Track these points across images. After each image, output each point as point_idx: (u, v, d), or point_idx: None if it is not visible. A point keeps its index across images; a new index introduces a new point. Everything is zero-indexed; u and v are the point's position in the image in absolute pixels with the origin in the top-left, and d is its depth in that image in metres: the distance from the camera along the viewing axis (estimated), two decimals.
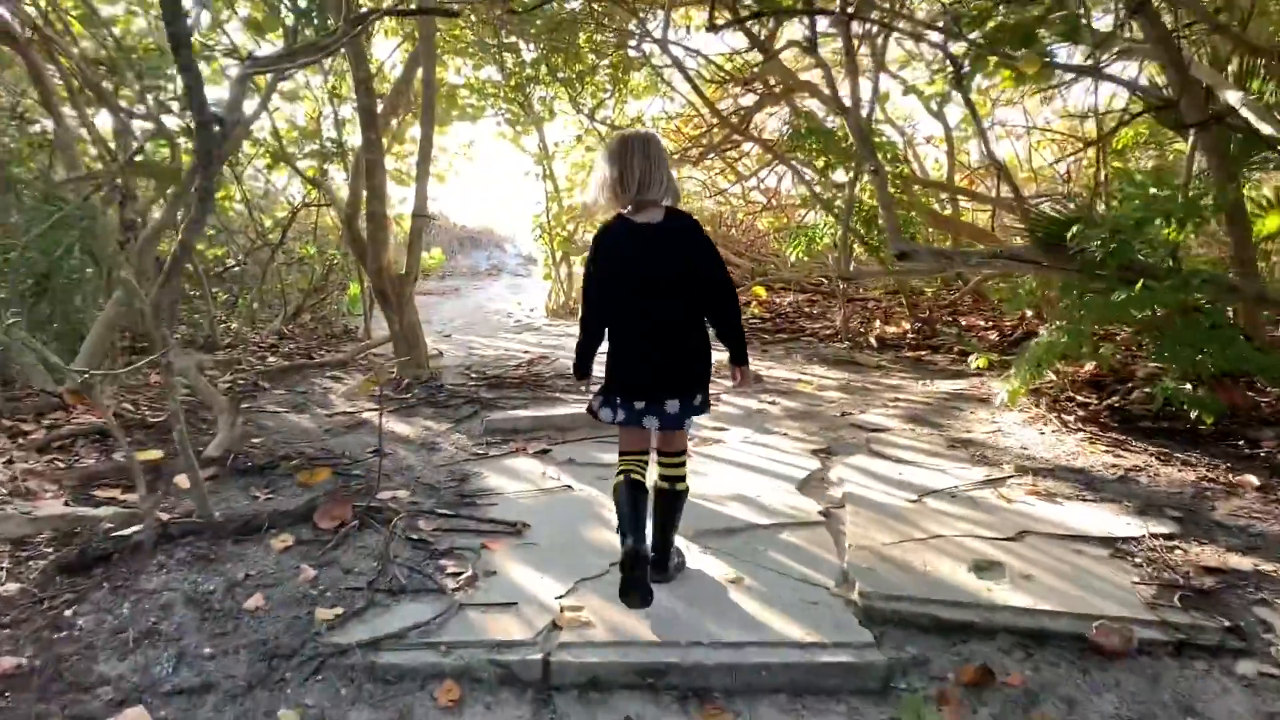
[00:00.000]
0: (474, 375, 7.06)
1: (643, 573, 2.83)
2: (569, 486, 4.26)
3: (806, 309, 10.48)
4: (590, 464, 4.62)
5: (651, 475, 3.14)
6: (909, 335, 8.36)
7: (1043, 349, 4.91)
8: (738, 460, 4.69)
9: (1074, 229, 5.23)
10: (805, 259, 8.37)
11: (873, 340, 8.17)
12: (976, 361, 5.89)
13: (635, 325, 2.97)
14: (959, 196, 10.17)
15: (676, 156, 10.04)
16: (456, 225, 18.11)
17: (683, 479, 3.16)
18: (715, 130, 10.04)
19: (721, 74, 8.59)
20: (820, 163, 7.47)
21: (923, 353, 7.70)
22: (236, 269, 8.84)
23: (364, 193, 6.26)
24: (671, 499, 3.15)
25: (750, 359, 3.24)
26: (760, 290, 11.05)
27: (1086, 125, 11.94)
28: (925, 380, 6.59)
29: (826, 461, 4.65)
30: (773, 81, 8.51)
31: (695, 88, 8.16)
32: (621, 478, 3.06)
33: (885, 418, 5.55)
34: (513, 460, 4.72)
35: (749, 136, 8.42)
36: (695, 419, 3.33)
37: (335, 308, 11.35)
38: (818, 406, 5.93)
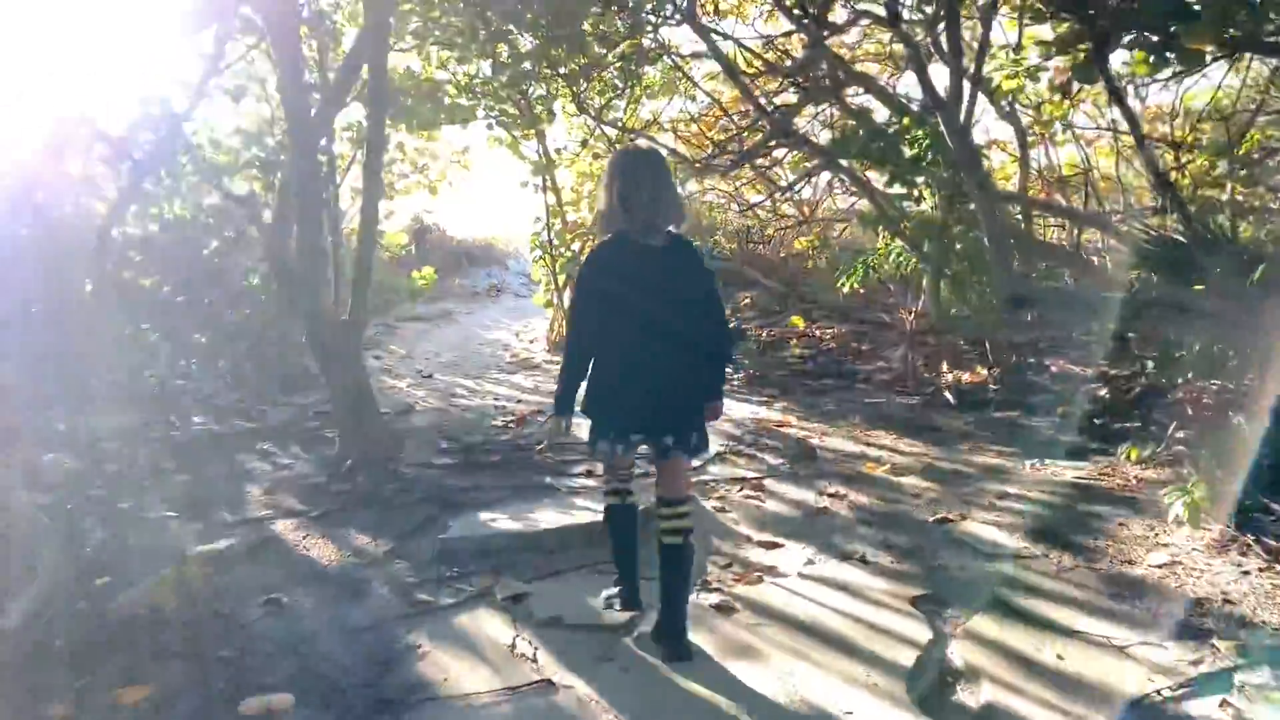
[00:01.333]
0: (444, 443, 5.64)
1: (679, 645, 2.91)
2: (549, 683, 2.80)
3: (854, 344, 9.00)
4: (585, 626, 3.18)
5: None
6: (991, 385, 6.86)
7: (1242, 442, 3.44)
8: (803, 620, 3.22)
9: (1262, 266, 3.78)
10: (859, 289, 6.91)
11: (947, 393, 6.68)
12: (1127, 451, 4.41)
13: (632, 352, 2.90)
14: (1034, 212, 8.68)
15: (699, 165, 8.60)
16: (454, 239, 16.67)
17: (689, 530, 2.98)
18: (747, 133, 8.59)
19: (757, 64, 7.15)
20: (884, 175, 6.01)
21: (1015, 413, 6.20)
22: (179, 301, 7.44)
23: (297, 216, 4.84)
24: (677, 558, 2.94)
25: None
26: (798, 320, 9.60)
27: (1157, 126, 10.45)
28: (1035, 461, 5.10)
29: (937, 623, 3.18)
30: (820, 74, 7.06)
31: (736, 78, 6.69)
32: (616, 499, 3.12)
33: (999, 529, 4.07)
34: (471, 616, 3.27)
35: (799, 141, 6.92)
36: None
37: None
38: (898, 504, 4.47)
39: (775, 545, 3.97)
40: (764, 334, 9.45)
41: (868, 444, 5.62)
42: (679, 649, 2.89)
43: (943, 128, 4.58)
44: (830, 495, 4.62)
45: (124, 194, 6.57)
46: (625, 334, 2.89)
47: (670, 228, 2.95)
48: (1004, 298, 4.12)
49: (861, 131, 5.91)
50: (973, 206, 4.97)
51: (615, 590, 3.23)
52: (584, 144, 9.57)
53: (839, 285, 6.86)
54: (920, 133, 5.70)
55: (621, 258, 2.89)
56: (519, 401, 7.34)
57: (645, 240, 2.87)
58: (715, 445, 5.63)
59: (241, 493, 4.66)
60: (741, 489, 4.73)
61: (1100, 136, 10.01)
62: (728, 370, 2.98)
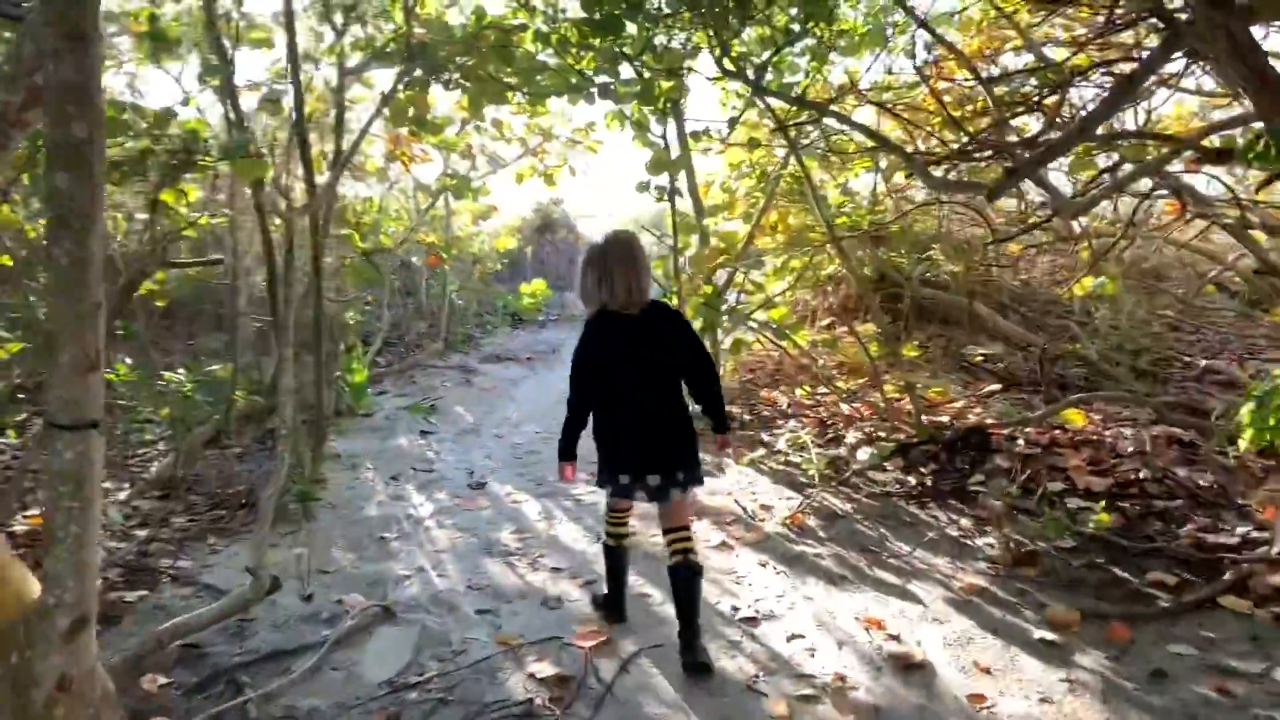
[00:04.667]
0: None
1: (697, 655, 3.52)
2: None
3: (1186, 474, 5.45)
4: None
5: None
6: None
7: None
8: None
9: None
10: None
11: None
12: None
13: (622, 408, 3.57)
14: None
15: (943, 161, 5.27)
16: (578, 238, 13.79)
17: (694, 552, 3.64)
18: (1013, 106, 5.26)
19: None
20: None
21: None
22: None
23: None
24: (689, 578, 3.59)
25: None
26: (1076, 415, 6.11)
27: None
28: None
29: None
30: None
31: None
32: (613, 542, 3.89)
33: None
34: None
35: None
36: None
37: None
38: None
39: None
40: (1019, 438, 6.04)
41: None
42: (696, 663, 3.50)
43: None
44: None
45: None
46: (616, 393, 3.57)
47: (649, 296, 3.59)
48: None
49: None
50: None
51: (603, 597, 4.02)
52: (733, 124, 6.40)
53: (1237, 435, 3.45)
54: None
55: (608, 330, 3.55)
56: (590, 583, 4.37)
57: (626, 311, 3.52)
58: None
59: None
60: None
61: None
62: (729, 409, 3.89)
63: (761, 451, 6.11)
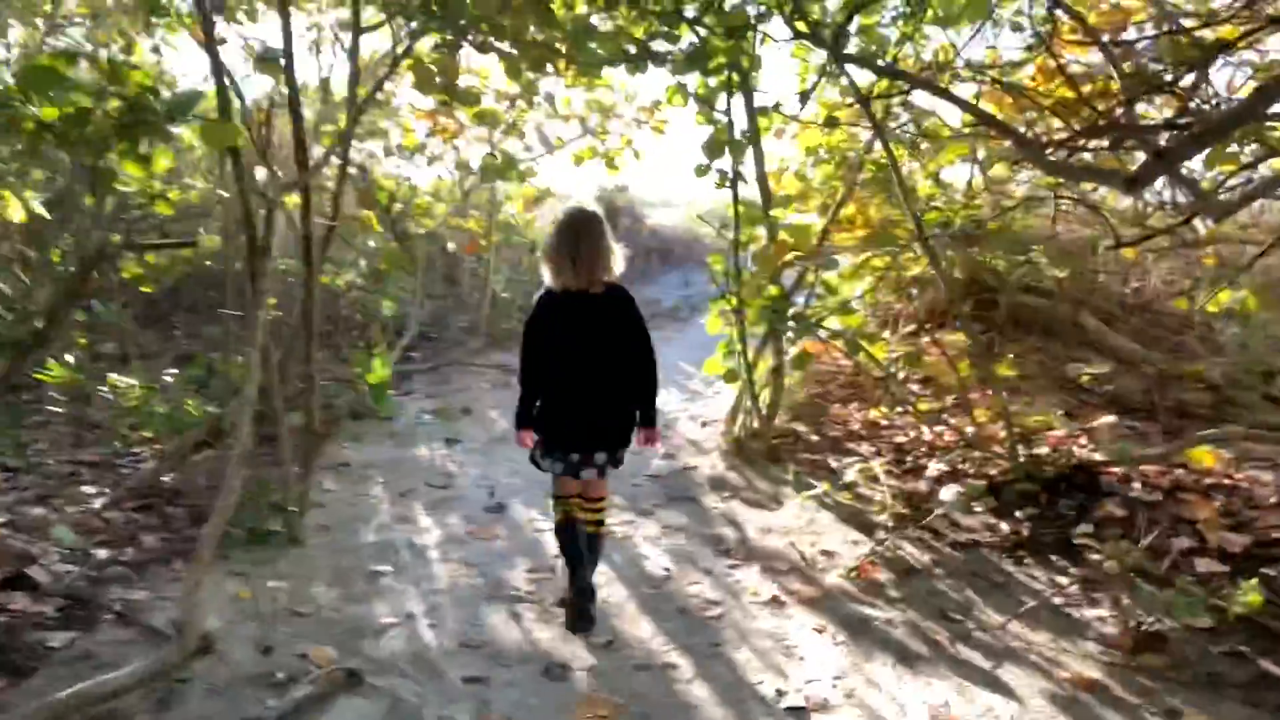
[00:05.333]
0: None
1: (588, 604, 3.78)
2: None
3: None
4: None
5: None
6: None
7: None
8: None
9: None
10: None
11: None
12: None
13: (573, 386, 3.70)
14: None
15: (1065, 145, 4.41)
16: (644, 227, 12.99)
17: (603, 523, 4.03)
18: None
19: None
20: None
21: None
22: None
23: None
24: (595, 540, 3.95)
25: None
26: (1204, 455, 5.16)
27: None
28: None
29: None
30: None
31: None
32: (562, 517, 3.86)
33: None
34: None
35: None
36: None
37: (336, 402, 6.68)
38: None
39: None
40: (1135, 479, 5.13)
41: None
42: (585, 611, 3.76)
43: None
44: None
45: None
46: (564, 370, 3.68)
47: (607, 276, 3.62)
48: None
49: None
50: None
51: (568, 598, 3.85)
52: (805, 97, 5.59)
53: None
54: None
55: (563, 306, 3.62)
56: (609, 644, 3.66)
57: (585, 290, 3.58)
58: None
59: None
60: None
61: None
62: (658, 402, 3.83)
63: (825, 485, 5.29)
